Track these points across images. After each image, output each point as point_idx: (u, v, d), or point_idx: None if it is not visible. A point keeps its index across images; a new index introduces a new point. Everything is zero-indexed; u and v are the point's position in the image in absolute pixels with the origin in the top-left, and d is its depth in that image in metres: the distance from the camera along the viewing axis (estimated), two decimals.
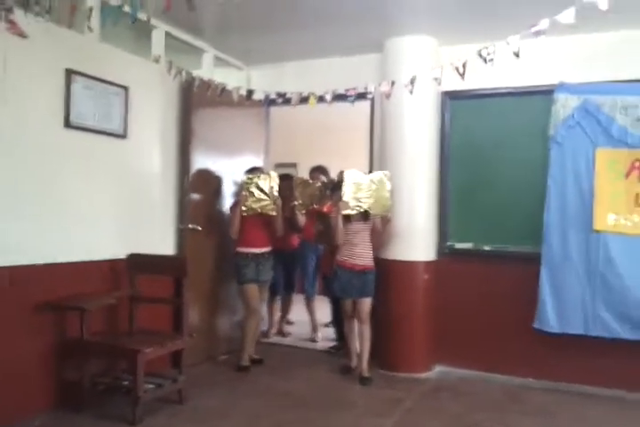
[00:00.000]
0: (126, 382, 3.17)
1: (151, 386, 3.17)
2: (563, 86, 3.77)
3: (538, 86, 3.94)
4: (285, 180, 4.70)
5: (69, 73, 3.20)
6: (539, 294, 3.77)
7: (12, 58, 2.82)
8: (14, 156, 2.92)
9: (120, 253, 3.54)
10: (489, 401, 3.61)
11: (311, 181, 4.57)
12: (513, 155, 4.08)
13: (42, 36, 2.96)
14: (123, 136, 3.61)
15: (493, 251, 4.12)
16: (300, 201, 4.40)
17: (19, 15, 2.79)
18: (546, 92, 3.84)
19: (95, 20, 3.22)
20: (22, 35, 2.84)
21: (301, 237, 4.99)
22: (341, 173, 4.33)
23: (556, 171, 3.78)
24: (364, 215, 3.93)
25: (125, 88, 3.59)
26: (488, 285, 4.11)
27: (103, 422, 3.03)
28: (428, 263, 4.20)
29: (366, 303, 3.93)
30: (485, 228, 4.18)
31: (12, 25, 2.80)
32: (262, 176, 4.06)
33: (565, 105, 3.76)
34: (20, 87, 2.91)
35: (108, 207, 3.52)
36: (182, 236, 4.07)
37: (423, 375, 4.11)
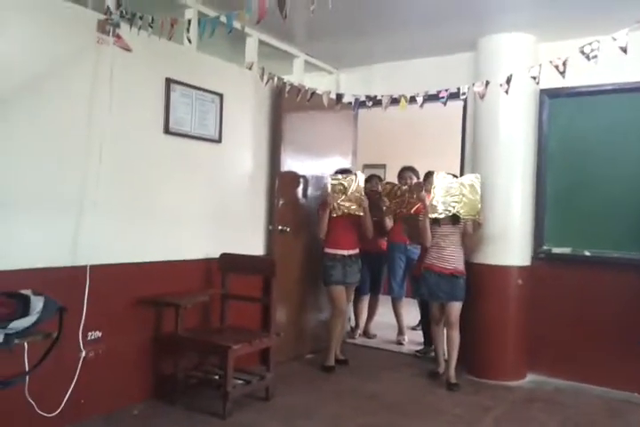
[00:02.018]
0: (217, 377, 3.32)
1: (240, 382, 3.30)
2: None
3: None
4: (372, 181, 4.71)
5: (169, 82, 3.38)
6: None
7: (118, 69, 3.01)
8: (118, 160, 3.12)
9: (213, 252, 3.69)
10: (585, 415, 3.41)
11: (398, 185, 4.53)
12: (618, 154, 3.84)
13: (144, 48, 3.16)
14: (217, 141, 3.76)
15: (594, 257, 3.89)
16: (388, 205, 4.37)
17: (124, 29, 3.01)
18: None
19: (193, 32, 3.37)
20: (127, 48, 3.06)
21: (388, 240, 4.96)
22: (428, 173, 4.27)
23: None
24: (454, 219, 3.84)
25: (220, 95, 3.74)
26: (588, 292, 3.90)
27: (195, 414, 3.17)
28: (522, 268, 4.04)
29: (455, 308, 3.84)
30: (586, 232, 3.96)
31: (119, 39, 3.03)
32: (349, 177, 4.08)
33: None
34: (124, 96, 3.11)
35: (202, 209, 3.68)
36: (272, 237, 4.18)
37: (514, 384, 3.96)
